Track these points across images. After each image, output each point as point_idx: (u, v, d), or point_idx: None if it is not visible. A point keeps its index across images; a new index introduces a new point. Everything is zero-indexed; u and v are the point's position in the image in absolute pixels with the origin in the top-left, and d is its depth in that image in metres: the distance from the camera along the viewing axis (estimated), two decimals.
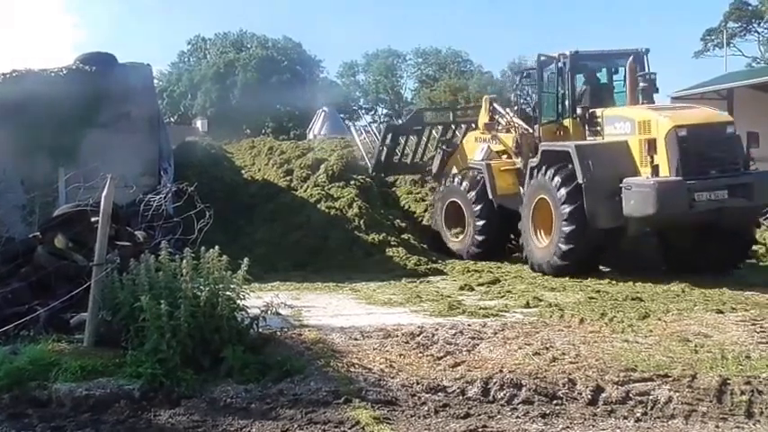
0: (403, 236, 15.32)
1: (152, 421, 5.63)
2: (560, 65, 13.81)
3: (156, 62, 76.09)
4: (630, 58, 13.35)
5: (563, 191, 12.37)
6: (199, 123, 54.34)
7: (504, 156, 15.25)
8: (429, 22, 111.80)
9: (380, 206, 16.64)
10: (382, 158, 18.00)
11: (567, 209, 12.22)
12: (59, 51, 75.07)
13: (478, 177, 15.19)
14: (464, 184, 15.48)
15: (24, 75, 13.19)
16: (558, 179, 12.55)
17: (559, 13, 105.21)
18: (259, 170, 18.37)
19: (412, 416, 5.67)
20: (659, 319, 8.69)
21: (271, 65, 65.77)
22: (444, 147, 17.19)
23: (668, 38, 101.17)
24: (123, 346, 6.53)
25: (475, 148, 16.08)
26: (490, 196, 14.76)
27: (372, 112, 76.48)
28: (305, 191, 16.57)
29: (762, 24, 60.55)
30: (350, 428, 5.40)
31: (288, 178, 17.36)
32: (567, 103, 13.82)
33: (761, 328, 8.25)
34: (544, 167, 13.06)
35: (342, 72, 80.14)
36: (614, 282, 11.81)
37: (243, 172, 18.39)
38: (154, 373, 6.06)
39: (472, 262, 14.60)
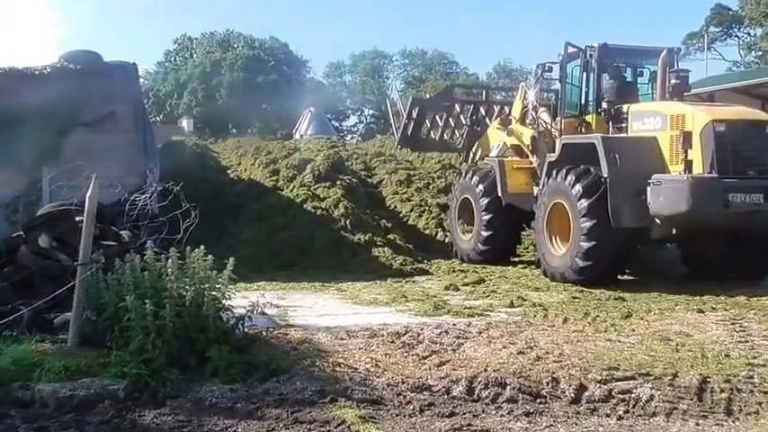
0: (389, 236, 15.37)
1: (137, 421, 5.59)
2: (587, 58, 13.27)
3: (142, 61, 76.02)
4: (665, 52, 12.78)
5: (579, 186, 11.75)
6: (185, 123, 54.30)
7: (514, 153, 14.96)
8: (416, 23, 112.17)
9: (366, 206, 16.69)
10: (408, 132, 17.63)
11: (585, 204, 11.57)
12: (43, 49, 74.57)
13: (491, 173, 14.81)
14: (474, 178, 15.16)
15: (8, 73, 13.09)
16: (572, 177, 11.96)
17: (543, 17, 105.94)
18: (245, 170, 18.37)
19: (397, 415, 5.68)
20: (641, 319, 8.78)
21: (257, 65, 65.67)
22: (474, 126, 16.90)
23: (651, 41, 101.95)
24: (108, 346, 6.50)
25: (493, 140, 15.76)
26: (500, 194, 14.35)
27: (359, 113, 76.62)
28: (291, 191, 16.58)
29: (741, 29, 61.36)
30: (335, 428, 5.39)
31: (274, 178, 17.37)
32: (591, 97, 13.31)
33: (740, 327, 8.36)
34: (557, 170, 12.52)
35: (328, 72, 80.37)
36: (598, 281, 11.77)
37: (229, 172, 18.39)
38: (139, 373, 6.03)
39: (458, 262, 14.66)
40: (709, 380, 6.23)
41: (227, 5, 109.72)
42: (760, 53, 58.07)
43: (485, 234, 14.56)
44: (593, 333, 7.99)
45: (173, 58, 73.76)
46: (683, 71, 12.74)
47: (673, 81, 12.46)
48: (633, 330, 8.13)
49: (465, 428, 5.44)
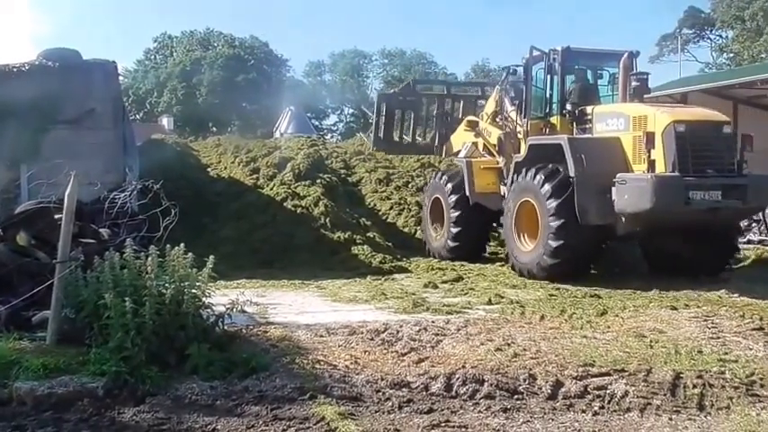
0: (368, 234, 15.38)
1: (116, 419, 5.58)
2: (551, 61, 13.61)
3: (122, 59, 75.39)
4: (625, 56, 13.17)
5: (548, 186, 12.08)
6: (165, 121, 54.00)
7: (486, 154, 15.22)
8: (395, 23, 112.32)
9: (346, 204, 16.71)
10: (381, 133, 17.89)
11: (554, 204, 11.90)
12: (22, 47, 73.86)
13: (459, 174, 15.14)
14: (444, 178, 15.53)
15: None
16: (541, 176, 12.28)
17: (521, 18, 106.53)
18: (225, 168, 18.30)
19: (376, 411, 5.74)
20: (616, 316, 8.88)
21: (237, 64, 65.47)
22: (444, 117, 17.25)
23: (625, 43, 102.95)
24: (87, 343, 6.50)
25: (459, 141, 16.15)
26: (467, 193, 14.69)
27: (338, 112, 76.59)
28: (271, 189, 16.55)
29: (714, 32, 62.21)
30: (315, 424, 5.43)
31: (254, 176, 17.32)
32: (555, 99, 13.65)
33: (712, 324, 8.48)
34: (526, 169, 12.85)
35: (308, 71, 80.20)
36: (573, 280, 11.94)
37: (209, 170, 18.30)
38: (118, 370, 6.02)
39: (436, 260, 14.75)
40: (682, 376, 6.35)
41: (207, 4, 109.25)
42: (731, 55, 58.87)
43: (454, 232, 14.91)
44: (570, 330, 8.08)
45: (153, 57, 73.33)
46: (643, 74, 13.12)
47: (633, 83, 12.84)
48: (608, 327, 8.23)
49: (443, 425, 5.51)
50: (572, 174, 11.82)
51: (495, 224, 14.75)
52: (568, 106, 13.34)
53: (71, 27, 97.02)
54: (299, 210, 15.67)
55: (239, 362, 6.44)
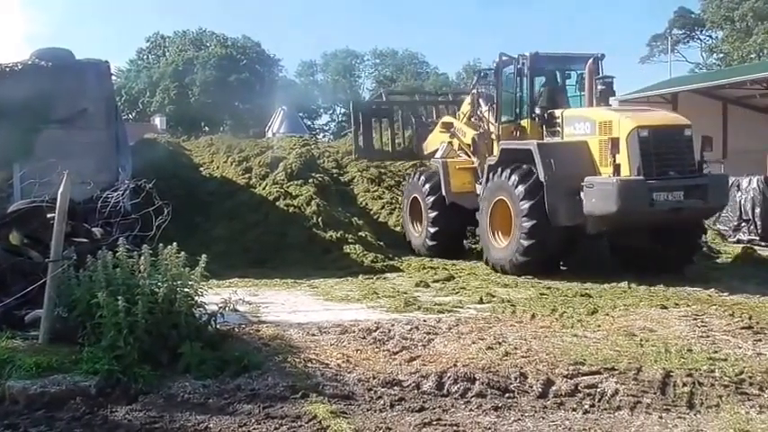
0: (360, 233, 15.40)
1: (108, 418, 5.57)
2: (520, 66, 14.01)
3: (115, 59, 75.30)
4: (590, 60, 13.55)
5: (522, 188, 12.55)
6: (157, 120, 53.91)
7: (462, 153, 15.56)
8: (387, 23, 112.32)
9: (338, 204, 16.73)
10: (360, 142, 18.28)
11: (527, 205, 12.39)
12: (15, 46, 73.53)
13: (436, 174, 15.58)
14: (422, 179, 16.04)
15: None
16: (516, 177, 12.75)
17: (513, 18, 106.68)
18: (218, 168, 18.30)
19: (368, 410, 5.75)
20: (607, 315, 8.94)
21: (230, 63, 65.41)
22: (420, 120, 17.82)
23: (616, 43, 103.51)
24: (79, 342, 6.50)
25: (435, 142, 16.57)
26: (444, 193, 15.14)
27: (331, 112, 76.59)
28: (263, 188, 16.57)
29: (703, 32, 62.54)
30: (307, 423, 5.43)
31: (246, 176, 17.34)
32: (525, 103, 14.05)
33: (702, 322, 8.55)
34: (501, 168, 13.28)
35: (300, 71, 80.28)
36: (564, 279, 12.15)
37: (201, 169, 18.30)
38: (110, 369, 6.02)
39: (428, 259, 14.81)
40: (672, 374, 6.39)
41: (199, 4, 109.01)
42: (721, 55, 59.18)
43: (432, 231, 15.48)
44: (560, 329, 8.13)
45: (145, 57, 73.20)
46: (608, 77, 13.56)
47: (599, 87, 13.35)
48: (599, 326, 8.29)
49: (435, 423, 5.51)
50: (542, 178, 12.31)
51: (470, 227, 15.23)
52: (537, 110, 13.81)
53: (64, 27, 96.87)
54: (291, 209, 15.69)
55: (232, 360, 6.45)
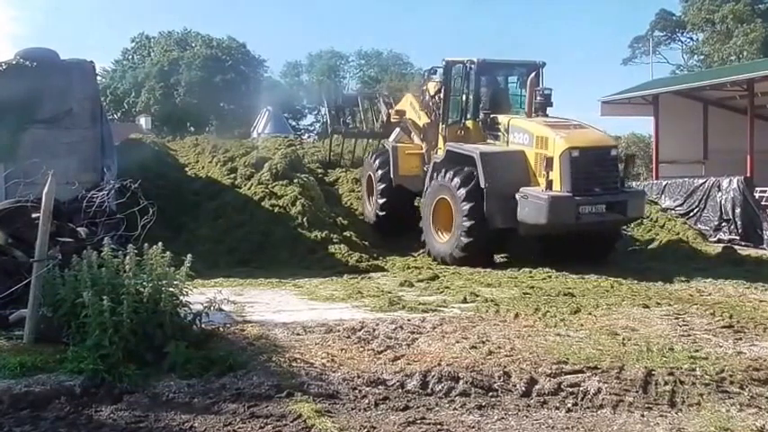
0: (345, 233, 15.45)
1: (93, 417, 5.57)
2: (467, 70, 15.08)
3: (100, 59, 74.78)
4: (532, 74, 14.78)
5: (463, 191, 13.73)
6: (142, 121, 53.67)
7: (414, 137, 16.76)
8: (371, 24, 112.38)
9: (323, 204, 16.75)
10: (337, 121, 20.05)
11: (466, 206, 13.61)
12: None
13: (387, 154, 17.08)
14: (374, 157, 17.65)
15: None
16: (458, 180, 13.91)
17: (496, 18, 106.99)
18: (203, 168, 18.27)
19: (353, 409, 5.78)
20: (590, 314, 9.01)
21: (215, 64, 65.09)
22: (388, 106, 18.83)
23: (599, 44, 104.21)
24: (64, 342, 6.51)
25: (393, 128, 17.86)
26: (391, 176, 16.62)
27: (316, 112, 76.38)
28: (249, 189, 16.55)
29: (685, 34, 63.07)
30: (292, 422, 5.45)
31: (232, 176, 17.32)
32: (470, 106, 15.17)
33: (683, 321, 8.65)
34: (446, 170, 14.44)
35: (285, 72, 79.94)
36: (548, 278, 12.28)
37: (187, 169, 18.27)
38: (95, 368, 6.03)
39: (413, 259, 14.91)
40: (653, 373, 6.46)
41: (184, 4, 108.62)
42: (702, 57, 59.66)
43: (380, 203, 17.09)
44: (544, 328, 8.19)
45: (130, 57, 72.69)
46: (547, 89, 14.79)
47: (538, 98, 14.57)
48: (582, 325, 8.35)
49: (419, 422, 5.55)
50: (483, 184, 13.57)
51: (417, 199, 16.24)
52: (481, 114, 14.95)
53: (49, 26, 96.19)
54: (276, 209, 15.69)
55: (217, 360, 6.46)
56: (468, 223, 13.59)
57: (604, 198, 13.32)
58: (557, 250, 14.10)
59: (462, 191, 13.78)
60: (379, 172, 17.15)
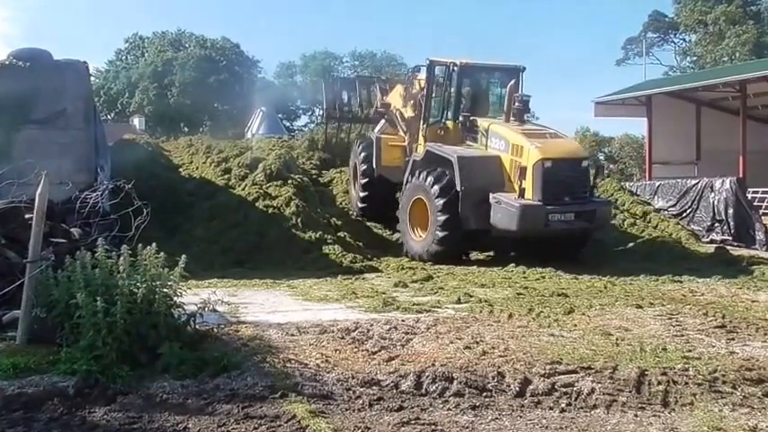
0: (339, 234, 15.47)
1: (86, 418, 5.55)
2: (450, 71, 15.42)
3: (93, 59, 74.59)
4: (512, 81, 15.11)
5: (438, 190, 14.34)
6: (136, 121, 53.63)
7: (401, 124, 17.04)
8: (365, 25, 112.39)
9: (317, 205, 16.76)
10: (332, 107, 20.86)
11: (441, 204, 14.23)
12: None
13: (372, 146, 17.59)
14: (360, 151, 18.03)
15: None
16: (435, 183, 14.45)
17: (491, 19, 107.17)
18: (197, 168, 18.27)
19: (347, 409, 5.77)
20: (583, 314, 9.02)
21: (209, 64, 65.07)
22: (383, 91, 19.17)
23: (592, 46, 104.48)
24: (58, 343, 6.48)
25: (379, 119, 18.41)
26: (374, 166, 17.25)
27: (309, 113, 76.39)
28: (243, 189, 16.55)
29: (677, 35, 63.35)
30: (286, 422, 5.44)
31: (226, 177, 17.32)
32: (451, 107, 15.63)
33: (676, 321, 8.66)
34: (419, 171, 15.03)
35: (279, 73, 79.85)
36: (542, 278, 12.31)
37: (181, 170, 18.26)
38: (89, 369, 6.01)
39: (407, 260, 14.94)
40: (647, 373, 6.47)
41: (178, 5, 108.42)
42: (695, 58, 59.92)
43: (362, 195, 17.77)
44: (537, 328, 8.20)
45: (124, 57, 72.62)
46: (526, 96, 15.25)
47: (516, 104, 14.97)
48: (575, 325, 8.36)
49: (413, 422, 5.55)
50: (458, 188, 14.17)
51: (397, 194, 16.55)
52: (461, 116, 15.42)
53: (42, 27, 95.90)
54: (270, 210, 15.69)
55: (211, 360, 6.45)
56: (442, 217, 14.21)
57: (573, 207, 14.02)
58: (527, 249, 14.64)
59: (436, 188, 14.42)
60: (363, 166, 17.69)
